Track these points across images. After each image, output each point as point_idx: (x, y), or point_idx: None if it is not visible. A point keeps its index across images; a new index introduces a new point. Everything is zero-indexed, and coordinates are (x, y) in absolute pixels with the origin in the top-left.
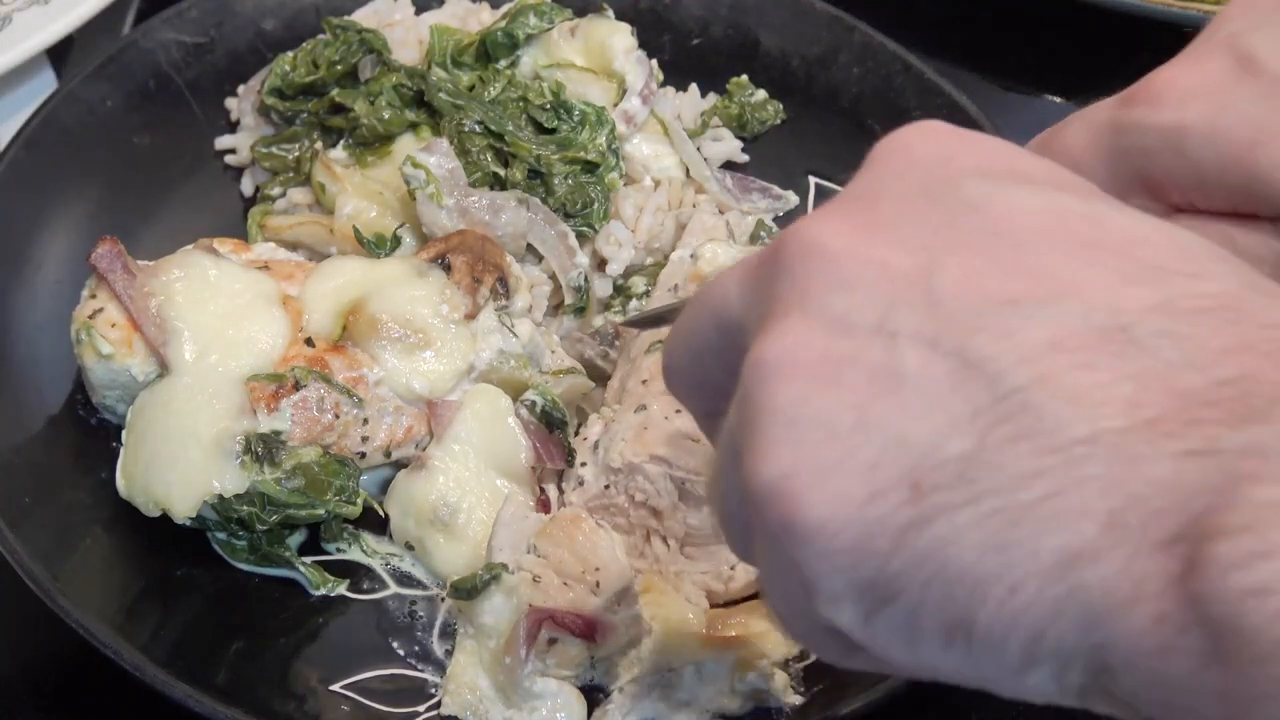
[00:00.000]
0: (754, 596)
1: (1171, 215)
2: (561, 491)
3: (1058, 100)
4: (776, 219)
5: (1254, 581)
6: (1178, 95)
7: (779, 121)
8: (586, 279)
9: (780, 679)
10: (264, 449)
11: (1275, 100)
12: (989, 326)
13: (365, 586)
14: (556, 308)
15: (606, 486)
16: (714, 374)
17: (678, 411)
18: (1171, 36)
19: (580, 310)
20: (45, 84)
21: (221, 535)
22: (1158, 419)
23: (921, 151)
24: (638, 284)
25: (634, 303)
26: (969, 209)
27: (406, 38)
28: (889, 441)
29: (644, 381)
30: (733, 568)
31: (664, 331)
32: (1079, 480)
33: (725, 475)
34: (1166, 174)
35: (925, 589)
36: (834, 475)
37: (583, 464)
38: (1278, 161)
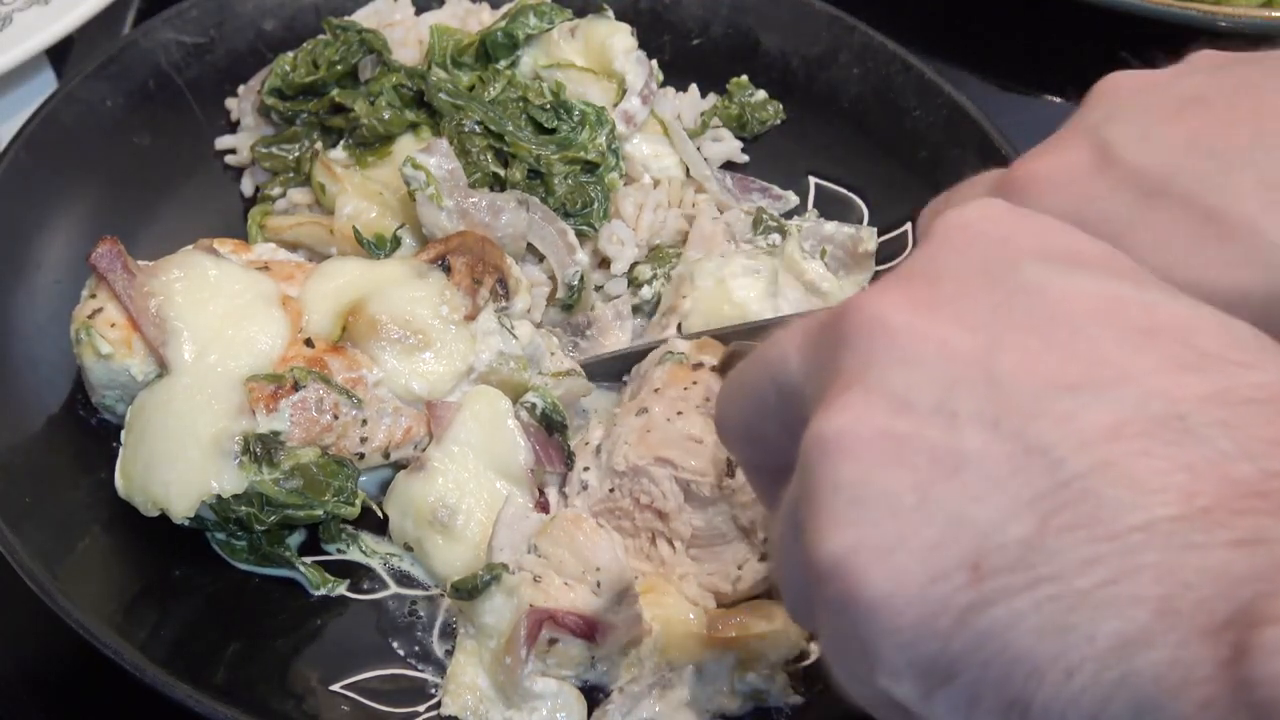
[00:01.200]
0: (758, 597)
1: None
2: (564, 496)
3: (1057, 100)
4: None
5: None
6: (1041, 187)
7: (779, 122)
8: (583, 278)
9: (780, 679)
10: (262, 449)
11: (1132, 193)
12: (1049, 411)
13: (365, 586)
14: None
15: (611, 490)
16: (769, 432)
17: (679, 414)
18: (1172, 37)
19: (569, 307)
20: (45, 84)
21: (221, 535)
22: (1210, 508)
23: (981, 230)
24: (644, 271)
25: (645, 289)
26: (1028, 291)
27: (406, 38)
28: (950, 522)
29: (655, 390)
30: (740, 568)
31: (673, 344)
32: (1134, 568)
33: (787, 544)
34: None
35: (985, 669)
36: (896, 554)
37: (585, 468)
38: (1141, 256)
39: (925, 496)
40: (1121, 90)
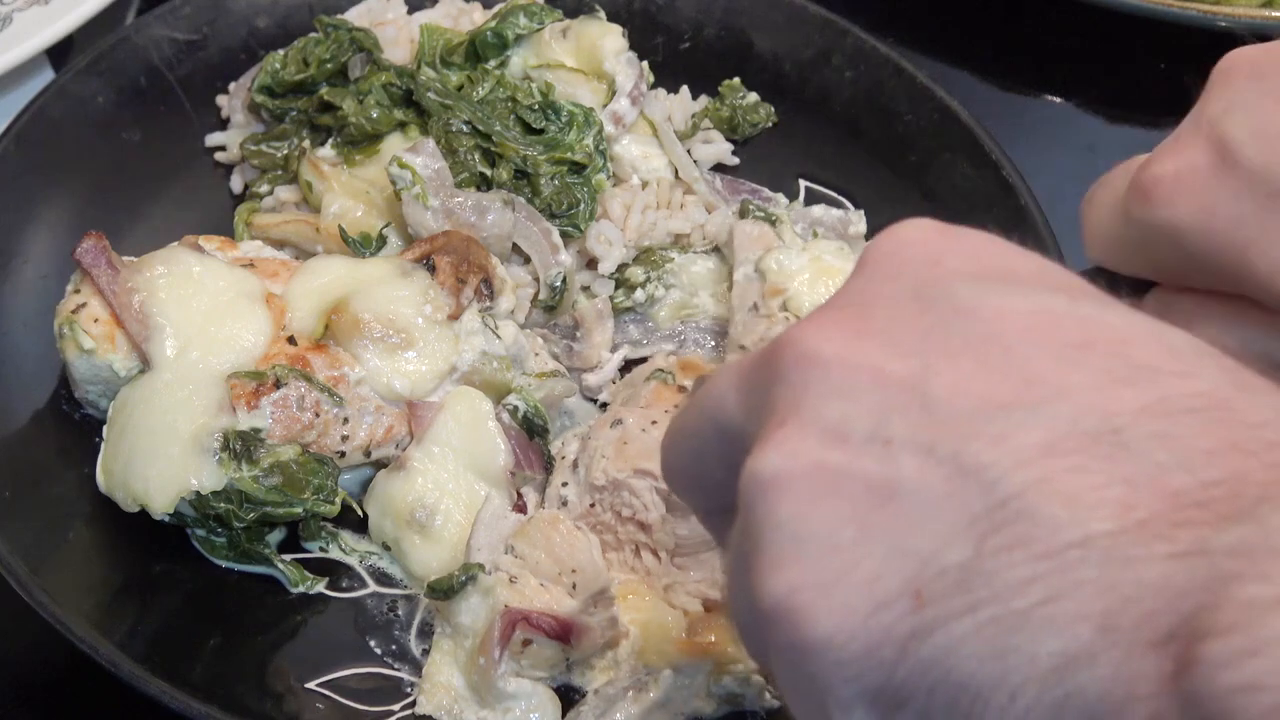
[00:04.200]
0: None
1: (1185, 294)
2: (544, 506)
3: (1057, 100)
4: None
5: (1242, 679)
6: (1166, 193)
7: (770, 124)
8: (565, 280)
9: (757, 683)
10: (242, 446)
11: (1254, 197)
12: (983, 432)
13: (344, 585)
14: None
15: (592, 505)
16: (714, 474)
17: (654, 423)
18: (1171, 36)
19: (551, 308)
20: (45, 84)
21: (201, 532)
22: (1148, 520)
23: (911, 253)
24: (636, 274)
25: (638, 292)
26: (960, 313)
27: (398, 36)
28: (890, 552)
29: (642, 407)
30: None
31: (658, 360)
32: (1073, 584)
33: (737, 586)
34: (1176, 265)
35: (931, 695)
36: (838, 589)
37: (564, 484)
38: (1271, 264)
39: (863, 528)
40: (1236, 75)
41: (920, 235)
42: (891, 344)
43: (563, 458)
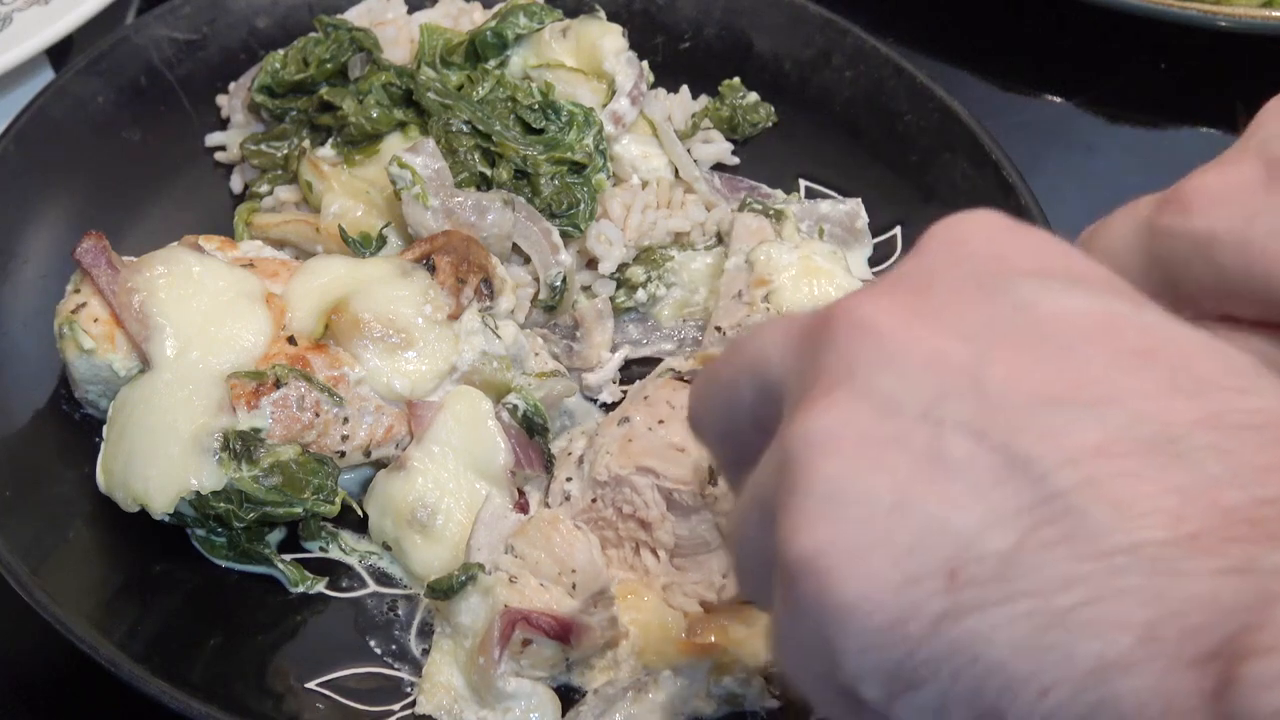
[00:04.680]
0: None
1: (1203, 325)
2: (547, 506)
3: (1057, 100)
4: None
5: None
6: (1208, 202)
7: (770, 124)
8: (565, 280)
9: (757, 683)
10: (242, 446)
11: None
12: (1036, 425)
13: (344, 585)
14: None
15: (594, 500)
16: (744, 428)
17: (660, 422)
18: (1171, 36)
19: (551, 308)
20: (45, 84)
21: (201, 532)
22: (1199, 534)
23: (976, 245)
24: (637, 274)
25: (639, 292)
26: (1020, 307)
27: (399, 36)
28: (928, 527)
29: (643, 399)
30: (724, 576)
31: (672, 361)
32: (1118, 590)
33: (750, 530)
34: (1196, 280)
35: (954, 680)
36: (870, 555)
37: (568, 479)
38: None
39: (903, 499)
40: None
41: (986, 228)
42: (950, 327)
43: (569, 454)
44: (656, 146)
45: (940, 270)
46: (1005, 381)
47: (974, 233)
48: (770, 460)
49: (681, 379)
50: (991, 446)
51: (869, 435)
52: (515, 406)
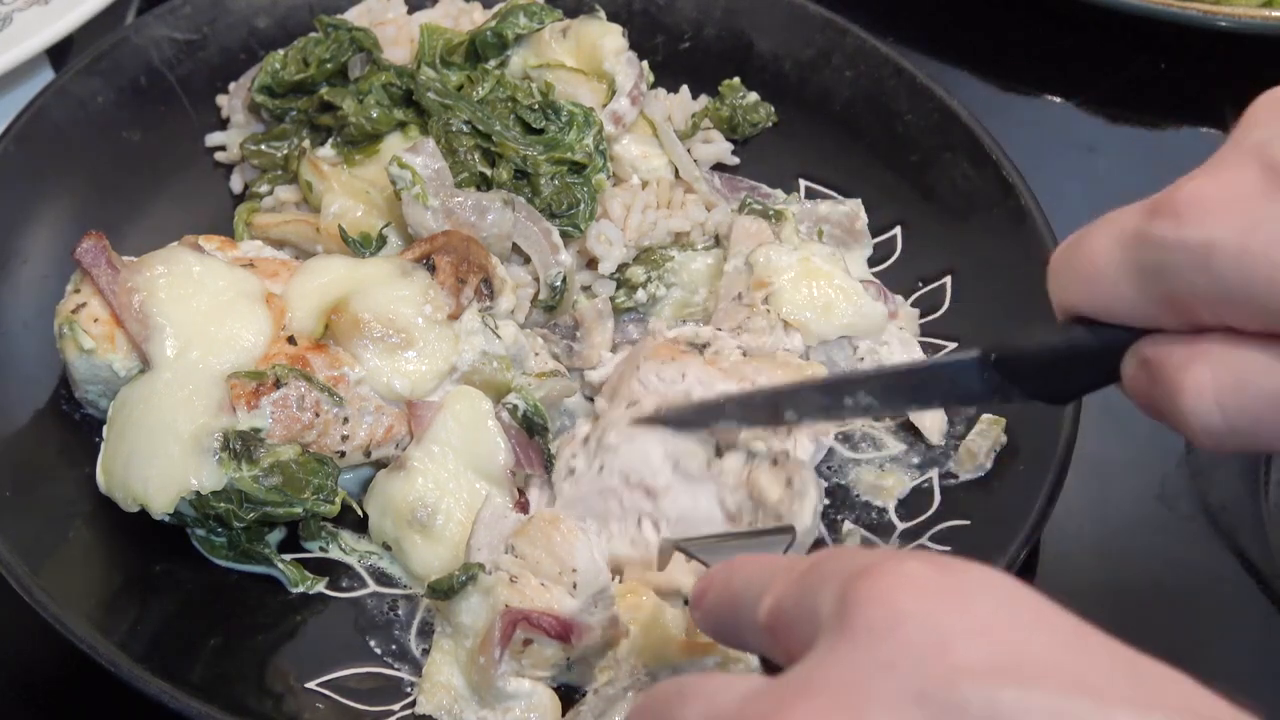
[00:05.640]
0: None
1: (1201, 335)
2: (551, 484)
3: (1057, 100)
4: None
5: None
6: (1204, 209)
7: (770, 124)
8: (565, 280)
9: None
10: (242, 446)
11: None
12: None
13: (344, 584)
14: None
15: (601, 468)
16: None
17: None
18: (1171, 36)
19: (551, 308)
20: (45, 84)
21: (201, 532)
22: None
23: (912, 634)
24: (637, 274)
25: (639, 292)
26: None
27: (399, 36)
28: None
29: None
30: None
31: (657, 327)
32: None
33: None
34: (1193, 292)
35: None
36: None
37: (573, 455)
38: None
39: None
40: None
41: (919, 605)
42: None
43: (573, 437)
44: (656, 146)
45: (875, 677)
46: None
47: (905, 615)
48: None
49: (695, 346)
50: None
51: None
52: (515, 406)
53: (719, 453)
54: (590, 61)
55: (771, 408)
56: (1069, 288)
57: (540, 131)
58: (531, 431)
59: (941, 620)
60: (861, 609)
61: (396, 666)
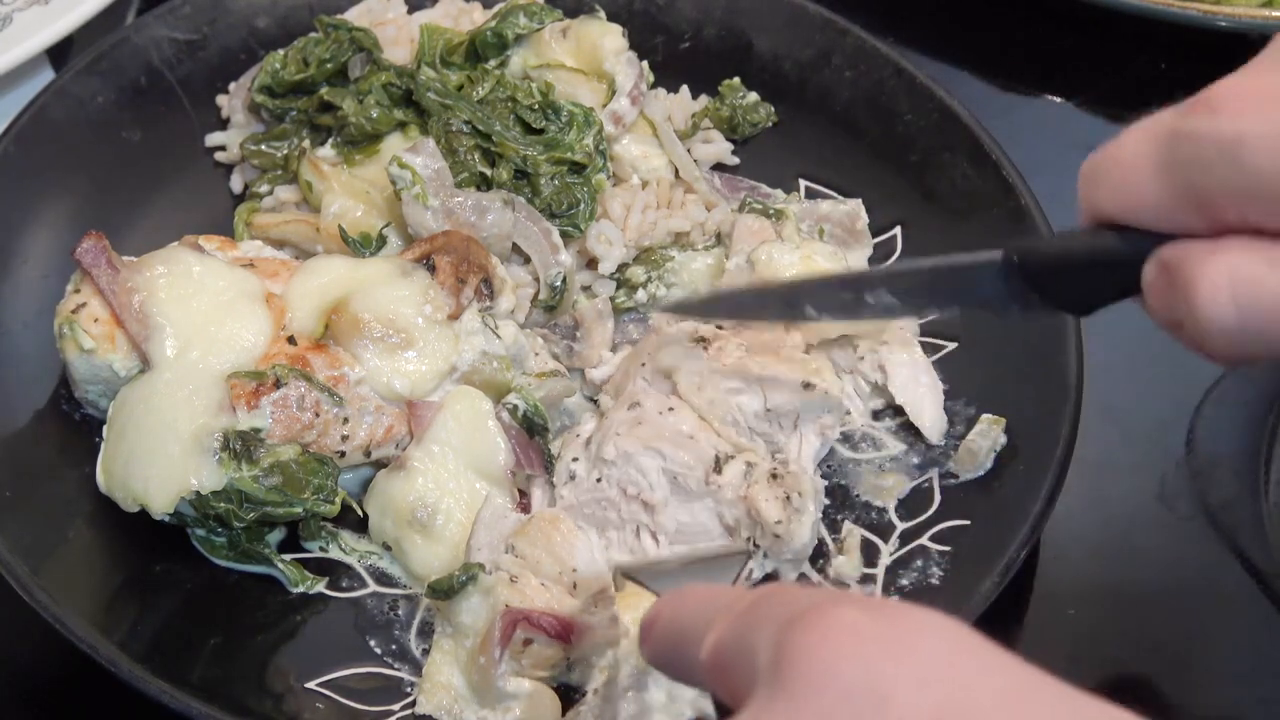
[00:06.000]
0: None
1: (1224, 238)
2: (552, 486)
3: (1057, 100)
4: None
5: None
6: (1238, 104)
7: (770, 124)
8: (565, 280)
9: None
10: (242, 446)
11: None
12: None
13: (344, 584)
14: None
15: (599, 479)
16: None
17: (671, 409)
18: (1171, 36)
19: (551, 308)
20: (45, 84)
21: (201, 532)
22: None
23: (853, 682)
24: (637, 274)
25: (639, 292)
26: None
27: (399, 36)
28: None
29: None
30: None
31: (657, 320)
32: None
33: None
34: (1222, 187)
35: None
36: None
37: (574, 459)
38: None
39: None
40: None
41: (856, 654)
42: None
43: (577, 435)
44: (656, 146)
45: None
46: None
47: (846, 661)
48: None
49: (702, 340)
50: None
51: None
52: (515, 406)
53: (717, 466)
54: (590, 61)
55: (792, 302)
56: (1099, 188)
57: (540, 131)
58: (531, 431)
59: (881, 669)
60: (795, 661)
61: (396, 666)
